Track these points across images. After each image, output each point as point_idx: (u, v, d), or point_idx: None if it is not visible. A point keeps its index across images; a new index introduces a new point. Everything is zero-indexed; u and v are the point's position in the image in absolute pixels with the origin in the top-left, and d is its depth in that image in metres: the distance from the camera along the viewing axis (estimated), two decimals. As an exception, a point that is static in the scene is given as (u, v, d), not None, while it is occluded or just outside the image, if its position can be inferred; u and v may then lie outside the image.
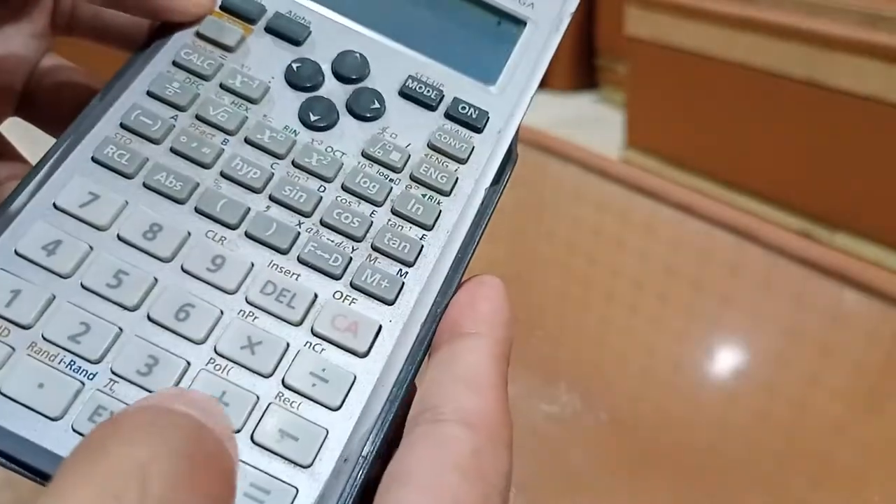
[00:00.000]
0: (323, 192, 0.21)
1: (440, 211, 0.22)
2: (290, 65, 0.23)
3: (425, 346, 0.20)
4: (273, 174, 0.21)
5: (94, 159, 0.20)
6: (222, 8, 0.23)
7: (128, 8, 0.22)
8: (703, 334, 0.55)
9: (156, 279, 0.19)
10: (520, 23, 0.25)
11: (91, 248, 0.19)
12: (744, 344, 0.55)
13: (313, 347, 0.19)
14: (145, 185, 0.20)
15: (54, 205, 0.19)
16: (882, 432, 0.49)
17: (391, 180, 0.22)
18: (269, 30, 0.23)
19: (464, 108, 0.23)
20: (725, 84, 0.79)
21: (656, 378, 0.52)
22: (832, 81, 0.70)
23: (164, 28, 0.23)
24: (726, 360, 0.54)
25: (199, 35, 0.23)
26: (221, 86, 0.22)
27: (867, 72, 0.69)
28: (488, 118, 0.23)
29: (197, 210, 0.20)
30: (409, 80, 0.23)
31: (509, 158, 0.24)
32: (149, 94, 0.22)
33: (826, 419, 0.49)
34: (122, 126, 0.21)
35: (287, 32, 0.23)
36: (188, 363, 0.18)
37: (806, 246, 0.57)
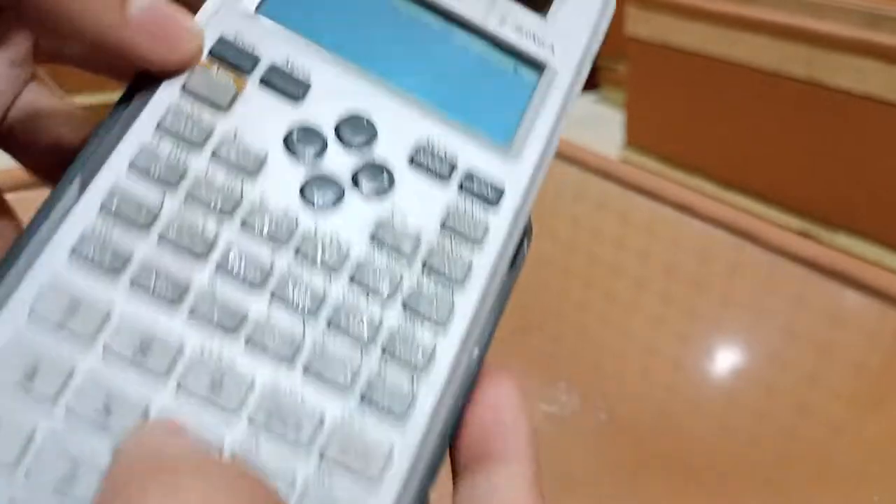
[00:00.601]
0: (329, 284, 0.19)
1: (454, 304, 0.20)
2: (289, 133, 0.20)
3: (440, 457, 0.19)
4: (274, 265, 0.19)
5: (73, 252, 0.18)
6: (212, 55, 0.21)
7: (99, 67, 0.21)
8: (702, 334, 0.55)
9: (147, 406, 0.17)
10: (538, 67, 0.23)
11: (73, 369, 0.17)
12: (744, 344, 0.55)
13: (322, 474, 0.18)
14: (132, 284, 0.18)
15: (29, 314, 0.17)
16: (882, 432, 0.49)
17: (402, 268, 0.20)
18: (266, 83, 0.21)
19: (478, 180, 0.21)
20: (725, 84, 0.79)
21: (656, 378, 0.52)
22: (832, 81, 0.70)
23: (147, 75, 0.21)
24: (726, 359, 0.54)
25: (186, 90, 0.20)
26: (214, 156, 0.20)
27: (867, 72, 0.69)
28: (504, 193, 0.21)
29: (191, 314, 0.18)
30: (420, 148, 0.21)
31: (525, 234, 0.22)
32: (132, 168, 0.19)
33: (826, 419, 0.49)
34: (104, 210, 0.18)
35: (285, 88, 0.21)
36: None
37: (806, 246, 0.57)
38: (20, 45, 0.22)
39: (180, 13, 0.20)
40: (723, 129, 0.80)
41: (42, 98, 0.23)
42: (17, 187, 0.31)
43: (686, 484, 0.46)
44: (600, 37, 0.24)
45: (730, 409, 0.50)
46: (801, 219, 0.68)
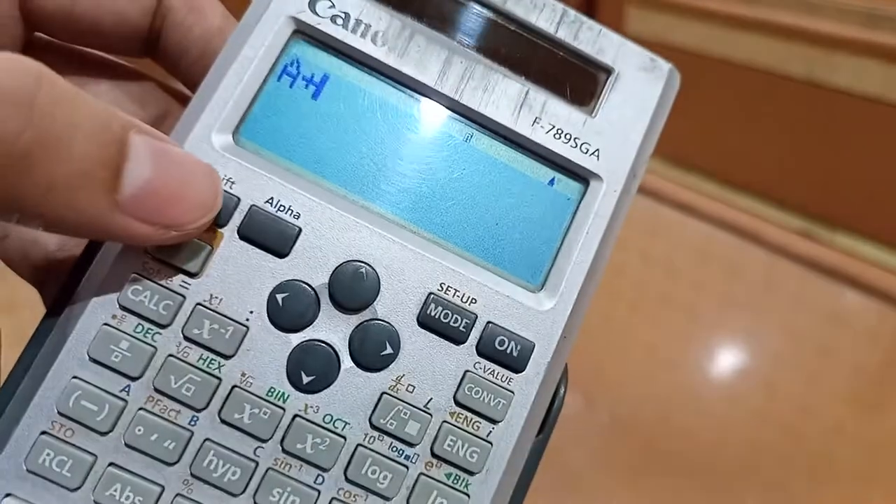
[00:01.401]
0: (321, 485, 0.16)
1: (468, 498, 0.17)
2: (272, 295, 0.17)
3: None
4: (257, 466, 0.16)
5: (28, 470, 0.16)
6: None
7: (86, 238, 0.17)
8: (703, 334, 0.55)
9: None
10: (580, 180, 0.19)
11: None
12: (744, 344, 0.55)
13: None
14: (96, 503, 0.16)
15: None
16: (882, 432, 0.49)
17: (407, 458, 0.17)
18: (245, 236, 0.17)
19: (501, 340, 0.17)
20: (726, 84, 0.79)
21: (657, 378, 0.52)
22: (832, 81, 0.70)
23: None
24: (727, 359, 0.54)
25: (151, 256, 0.17)
26: (185, 336, 0.17)
27: (867, 72, 0.69)
28: (533, 349, 0.17)
29: None
30: (432, 301, 0.17)
31: (560, 381, 0.18)
32: (91, 359, 0.16)
33: (826, 419, 0.49)
34: (61, 413, 0.16)
35: (267, 240, 0.17)
36: None
37: (806, 246, 0.57)
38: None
39: (192, 179, 0.16)
40: (723, 129, 0.80)
41: None
42: None
43: (687, 483, 0.46)
44: (657, 132, 0.19)
45: (730, 409, 0.50)
46: (802, 219, 0.68)
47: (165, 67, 0.21)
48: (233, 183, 0.17)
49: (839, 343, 0.53)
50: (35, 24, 0.20)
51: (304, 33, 0.18)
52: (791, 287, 0.56)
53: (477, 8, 0.19)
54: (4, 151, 0.13)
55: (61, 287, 0.17)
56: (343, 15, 0.19)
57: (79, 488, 0.16)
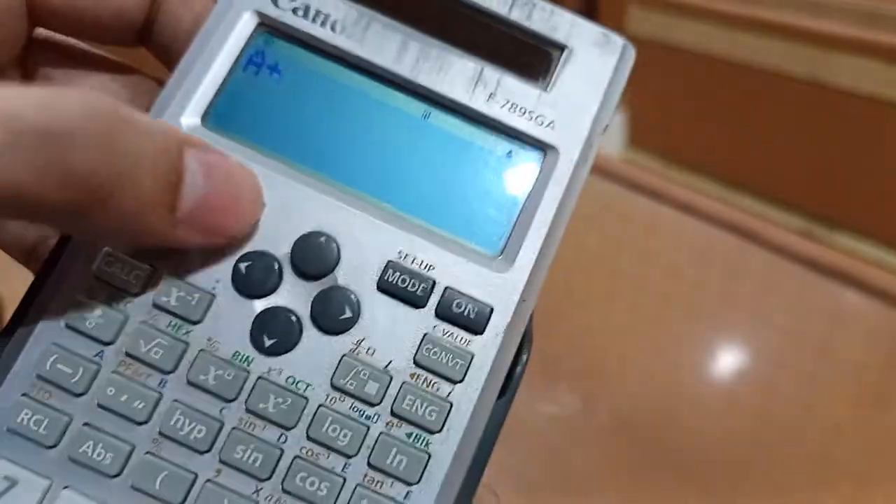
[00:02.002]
0: (284, 443, 0.17)
1: (429, 457, 0.17)
2: (237, 264, 0.18)
3: None
4: (222, 425, 0.17)
5: (8, 429, 0.17)
6: None
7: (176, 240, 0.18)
8: (703, 334, 0.55)
9: None
10: (537, 150, 0.19)
11: None
12: (744, 344, 0.55)
13: None
14: (71, 459, 0.17)
15: None
16: (884, 432, 0.49)
17: (367, 418, 0.17)
18: None
19: (459, 303, 0.18)
20: (726, 84, 0.79)
21: (657, 378, 0.52)
22: (832, 81, 0.70)
23: None
24: (727, 360, 0.54)
25: None
26: (154, 304, 0.18)
27: (867, 71, 0.69)
28: (491, 313, 0.18)
29: (133, 488, 0.17)
30: (390, 269, 0.18)
31: (522, 346, 0.19)
32: (67, 326, 0.17)
33: (827, 419, 0.49)
34: (39, 377, 0.17)
35: None
36: None
37: (807, 246, 0.57)
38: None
39: (241, 190, 0.18)
40: (723, 129, 0.80)
41: None
42: None
43: (687, 484, 0.46)
44: (613, 104, 0.20)
45: (730, 410, 0.50)
46: (802, 218, 0.68)
47: (157, 55, 0.22)
48: None
49: (839, 343, 0.53)
50: (39, 19, 0.20)
51: (267, 25, 0.20)
52: (791, 287, 0.56)
53: None
54: (92, 192, 0.14)
55: (43, 263, 0.18)
56: (303, 7, 0.20)
57: (55, 446, 0.17)
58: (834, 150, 0.72)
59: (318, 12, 0.20)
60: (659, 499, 0.46)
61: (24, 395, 0.17)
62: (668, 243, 0.60)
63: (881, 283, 0.54)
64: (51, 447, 0.17)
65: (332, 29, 0.20)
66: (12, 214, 0.15)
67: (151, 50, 0.22)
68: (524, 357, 0.19)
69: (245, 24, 0.19)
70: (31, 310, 0.18)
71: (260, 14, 0.20)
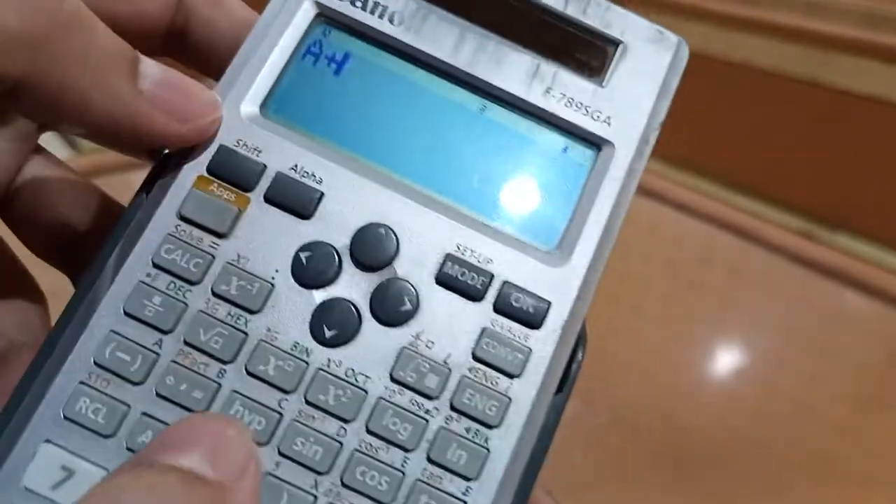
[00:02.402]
0: (343, 437, 0.17)
1: (487, 453, 0.17)
2: (297, 254, 0.18)
3: None
4: (282, 417, 0.17)
5: (65, 417, 0.16)
6: (211, 173, 0.18)
7: (105, 140, 0.18)
8: (703, 335, 0.55)
9: None
10: (593, 146, 0.19)
11: None
12: (745, 344, 0.55)
13: None
14: (129, 449, 0.16)
15: (24, 488, 0.16)
16: (884, 432, 0.49)
17: (427, 412, 0.17)
18: (270, 200, 0.18)
19: (517, 298, 0.18)
20: (726, 84, 0.79)
21: (657, 378, 0.52)
22: (832, 81, 0.70)
23: (154, 184, 0.18)
24: (727, 360, 0.54)
25: (183, 218, 0.18)
26: (214, 293, 0.18)
27: (867, 72, 0.69)
28: (549, 308, 0.18)
29: None
30: (449, 261, 0.18)
31: (577, 344, 0.19)
32: (126, 314, 0.17)
33: (827, 420, 0.49)
34: (97, 364, 0.17)
35: (292, 203, 0.18)
36: None
37: (807, 246, 0.57)
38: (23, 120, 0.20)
39: (195, 85, 0.18)
40: (723, 129, 0.80)
41: (47, 171, 0.22)
42: (109, 170, 0.29)
43: (687, 484, 0.46)
44: (668, 101, 0.20)
45: (731, 410, 0.50)
46: (802, 219, 0.68)
47: (194, 64, 0.22)
48: (259, 151, 0.18)
49: (839, 343, 0.53)
50: None
51: (325, 16, 0.20)
52: (791, 287, 0.56)
53: None
54: (48, 18, 0.15)
55: (98, 249, 0.18)
56: None
57: (113, 435, 0.16)
58: (834, 150, 0.72)
59: (376, 4, 0.20)
60: (659, 498, 0.46)
61: (81, 382, 0.17)
62: (668, 243, 0.60)
63: (881, 283, 0.54)
64: (108, 436, 0.16)
65: (391, 21, 0.20)
66: None
67: (184, 59, 0.22)
68: (580, 354, 0.19)
69: (304, 14, 0.20)
70: (87, 297, 0.17)
71: (319, 4, 0.20)
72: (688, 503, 0.46)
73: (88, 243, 0.21)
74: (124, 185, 0.19)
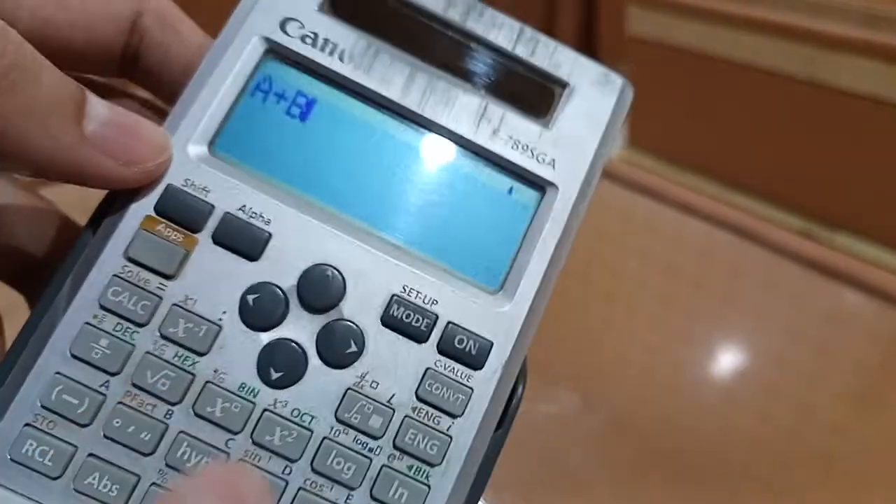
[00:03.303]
0: (289, 475, 0.17)
1: (428, 490, 0.18)
2: (244, 296, 0.18)
3: None
4: (229, 457, 0.17)
5: (11, 459, 0.16)
6: (158, 213, 0.18)
7: (57, 176, 0.18)
8: (703, 334, 0.55)
9: None
10: (537, 188, 0.20)
11: None
12: (744, 344, 0.55)
13: None
14: (76, 490, 0.17)
15: None
16: (883, 432, 0.49)
17: (371, 450, 0.18)
18: (218, 241, 0.18)
19: (461, 339, 0.18)
20: (726, 84, 0.79)
21: (656, 378, 0.52)
22: (832, 81, 0.70)
23: (101, 222, 0.18)
24: (727, 360, 0.54)
25: (130, 259, 0.18)
26: (161, 335, 0.18)
27: (867, 71, 0.69)
28: (491, 348, 0.18)
29: None
30: (395, 303, 0.18)
31: (518, 379, 0.19)
32: (73, 356, 0.17)
33: (827, 419, 0.49)
34: (43, 406, 0.17)
35: (239, 244, 0.18)
36: None
37: (807, 246, 0.57)
38: None
39: (143, 125, 0.18)
40: (723, 129, 0.80)
41: (5, 195, 0.21)
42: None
43: (686, 484, 0.46)
44: (611, 143, 0.20)
45: (730, 409, 0.50)
46: (802, 219, 0.68)
47: (148, 86, 0.22)
48: (208, 191, 0.18)
49: (839, 343, 0.53)
50: None
51: (275, 52, 0.20)
52: (791, 287, 0.56)
53: (439, 27, 0.20)
54: None
55: (44, 288, 0.18)
56: (312, 35, 0.20)
57: (59, 477, 0.17)
58: (834, 150, 0.72)
59: (326, 41, 0.20)
60: (658, 498, 0.46)
61: (27, 424, 0.17)
62: (668, 243, 0.60)
63: (881, 283, 0.54)
64: (56, 478, 0.17)
65: (341, 58, 0.20)
66: None
67: (138, 81, 0.22)
68: (520, 389, 0.19)
69: (253, 50, 0.19)
70: (33, 338, 0.17)
71: (268, 40, 0.20)
72: (687, 502, 0.46)
73: (45, 268, 0.20)
74: (100, 195, 0.19)
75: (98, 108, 0.17)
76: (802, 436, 0.48)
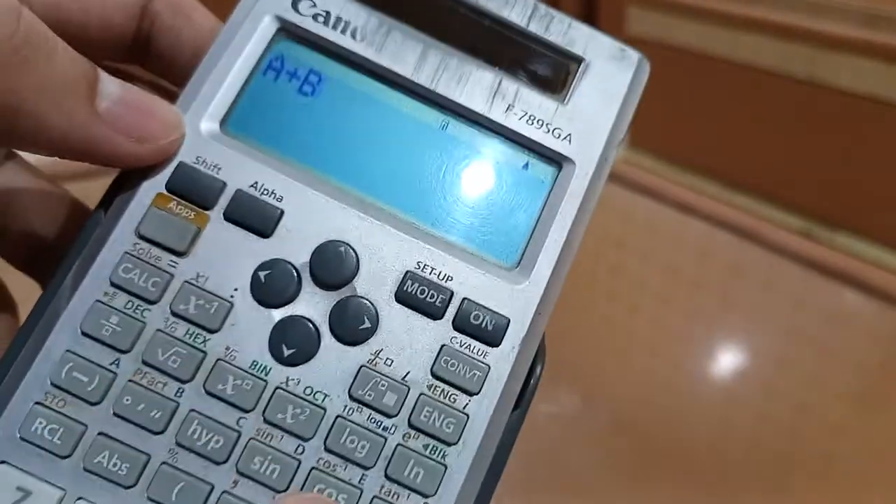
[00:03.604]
0: (302, 454, 0.17)
1: (444, 469, 0.17)
2: (255, 273, 0.18)
3: None
4: (240, 436, 0.17)
5: (21, 437, 0.16)
6: (170, 190, 0.18)
7: (71, 154, 0.18)
8: (703, 334, 0.55)
9: None
10: (554, 163, 0.19)
11: None
12: (744, 344, 0.55)
13: None
14: (85, 469, 0.16)
15: None
16: (883, 433, 0.49)
17: (385, 429, 0.17)
18: (230, 218, 0.18)
19: (477, 315, 0.18)
20: (726, 84, 0.79)
21: (657, 378, 0.52)
22: (832, 81, 0.70)
23: (113, 198, 0.18)
24: (727, 360, 0.54)
25: (141, 237, 0.18)
26: (172, 312, 0.17)
27: (867, 72, 0.69)
28: (508, 325, 0.18)
29: (149, 499, 0.16)
30: (409, 279, 0.18)
31: (536, 359, 0.19)
32: (83, 333, 0.17)
33: (827, 420, 0.49)
34: (53, 385, 0.17)
35: (251, 221, 0.18)
36: None
37: (807, 246, 0.57)
38: None
39: (156, 102, 0.18)
40: (724, 129, 0.80)
41: (18, 179, 0.21)
42: (75, 177, 0.30)
43: (687, 484, 0.46)
44: (628, 119, 0.20)
45: (730, 409, 0.50)
46: (802, 219, 0.68)
47: (159, 71, 0.22)
48: (219, 168, 0.18)
49: (839, 343, 0.53)
50: None
51: (287, 31, 0.20)
52: (791, 287, 0.56)
53: (451, 4, 0.20)
54: (5, 46, 0.15)
55: (56, 265, 0.18)
56: (324, 13, 0.20)
57: (69, 456, 0.16)
58: (834, 150, 0.72)
59: (338, 19, 0.20)
60: (658, 498, 0.46)
61: (37, 403, 0.17)
62: (668, 243, 0.60)
63: (881, 283, 0.54)
64: (65, 457, 0.16)
65: (353, 36, 0.20)
66: None
67: (149, 66, 0.22)
68: (538, 370, 0.19)
69: (265, 29, 0.19)
70: (44, 315, 0.17)
71: (280, 19, 0.19)
72: (686, 502, 0.46)
73: (58, 252, 0.20)
74: (103, 188, 0.19)
75: (111, 87, 0.17)
76: (802, 436, 0.48)
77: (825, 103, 0.70)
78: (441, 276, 0.18)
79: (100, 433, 0.17)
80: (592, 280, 0.58)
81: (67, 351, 0.17)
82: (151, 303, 0.17)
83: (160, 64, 0.21)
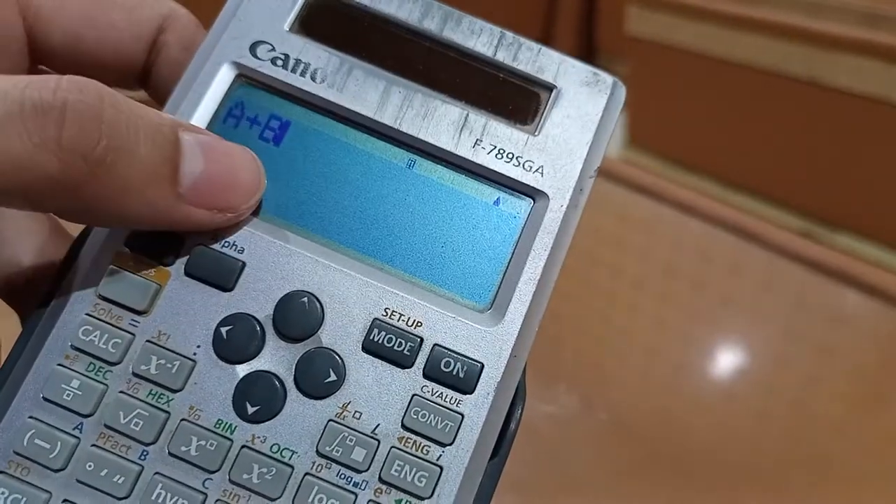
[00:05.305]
0: None
1: None
2: (217, 328, 0.17)
3: None
4: (206, 498, 0.16)
5: None
6: (129, 248, 0.18)
7: (149, 229, 0.18)
8: (703, 334, 0.55)
9: None
10: (526, 198, 0.19)
11: None
12: (744, 344, 0.55)
13: None
14: None
15: None
16: (883, 433, 0.49)
17: (356, 485, 0.17)
18: (190, 273, 0.18)
19: (448, 362, 0.17)
20: (726, 84, 0.79)
21: (656, 378, 0.52)
22: (832, 81, 0.70)
23: (68, 272, 0.18)
24: (726, 360, 0.54)
25: (101, 297, 0.17)
26: (134, 373, 0.17)
27: (867, 72, 0.69)
28: (482, 370, 0.17)
29: None
30: (375, 327, 0.17)
31: (515, 400, 0.18)
32: (45, 399, 0.17)
33: (826, 420, 0.49)
34: (16, 453, 0.16)
35: (212, 275, 0.18)
36: None
37: (807, 246, 0.57)
38: None
39: (237, 165, 0.17)
40: (723, 129, 0.80)
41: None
42: None
43: (686, 484, 0.46)
44: (604, 146, 0.19)
45: (730, 410, 0.50)
46: (802, 219, 0.68)
47: (158, 98, 0.22)
48: None
49: (839, 343, 0.53)
50: (41, 58, 0.20)
51: (246, 77, 0.19)
52: (791, 287, 0.56)
53: (414, 38, 0.20)
54: (88, 161, 0.15)
55: (20, 335, 0.18)
56: (283, 56, 0.19)
57: None
58: (834, 150, 0.72)
59: (297, 61, 0.19)
60: (658, 499, 0.46)
61: (1, 472, 0.16)
62: (668, 243, 0.60)
63: (881, 283, 0.54)
64: None
65: (313, 78, 0.19)
66: (14, 193, 0.15)
67: (151, 94, 0.22)
68: (518, 412, 0.18)
69: (223, 77, 0.19)
70: (6, 383, 0.17)
71: (238, 65, 0.19)
72: (687, 502, 0.46)
73: (39, 282, 0.20)
74: None
75: (194, 163, 0.17)
76: (802, 436, 0.48)
77: (825, 103, 0.70)
78: (410, 322, 0.18)
79: (64, 500, 0.16)
80: (592, 280, 0.58)
81: (30, 417, 0.17)
82: (113, 364, 0.17)
83: (160, 92, 0.21)
